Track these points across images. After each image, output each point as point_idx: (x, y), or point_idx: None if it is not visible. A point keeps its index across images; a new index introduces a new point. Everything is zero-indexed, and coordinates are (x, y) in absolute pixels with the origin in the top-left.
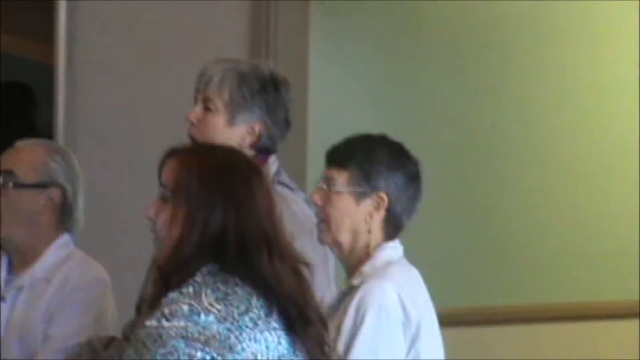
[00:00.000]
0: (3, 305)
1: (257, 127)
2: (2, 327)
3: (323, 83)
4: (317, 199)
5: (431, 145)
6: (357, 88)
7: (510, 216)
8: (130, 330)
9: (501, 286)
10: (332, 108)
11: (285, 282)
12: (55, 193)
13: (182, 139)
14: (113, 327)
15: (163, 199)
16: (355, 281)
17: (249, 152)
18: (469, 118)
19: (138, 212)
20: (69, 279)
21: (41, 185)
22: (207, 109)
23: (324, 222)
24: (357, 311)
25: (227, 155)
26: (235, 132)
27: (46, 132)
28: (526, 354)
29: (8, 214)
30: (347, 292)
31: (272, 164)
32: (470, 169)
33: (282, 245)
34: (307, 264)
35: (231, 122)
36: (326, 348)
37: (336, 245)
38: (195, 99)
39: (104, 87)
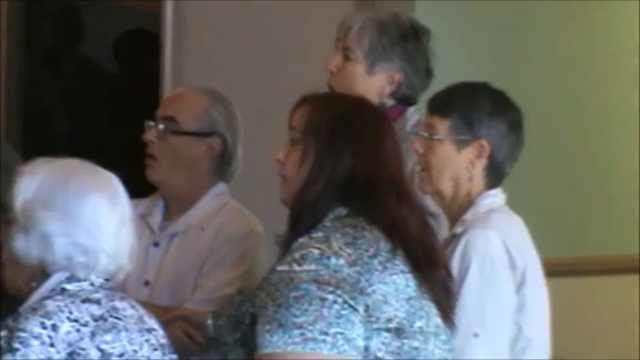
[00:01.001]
0: (156, 250)
1: (397, 76)
2: (153, 272)
3: None
4: (418, 146)
5: (536, 95)
6: (463, 38)
7: (615, 165)
8: None
9: (607, 235)
10: (438, 57)
11: (413, 225)
12: (215, 142)
13: (296, 89)
14: None
15: (292, 142)
16: (458, 229)
17: (389, 102)
18: (575, 69)
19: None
20: (223, 230)
21: (202, 134)
22: (346, 58)
23: (425, 170)
24: (462, 260)
25: (357, 103)
26: (374, 81)
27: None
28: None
29: (167, 159)
30: (450, 241)
31: (412, 115)
32: (575, 117)
33: (409, 193)
34: (433, 215)
35: (370, 71)
36: (450, 294)
37: (437, 193)
38: (336, 47)
39: (212, 35)
